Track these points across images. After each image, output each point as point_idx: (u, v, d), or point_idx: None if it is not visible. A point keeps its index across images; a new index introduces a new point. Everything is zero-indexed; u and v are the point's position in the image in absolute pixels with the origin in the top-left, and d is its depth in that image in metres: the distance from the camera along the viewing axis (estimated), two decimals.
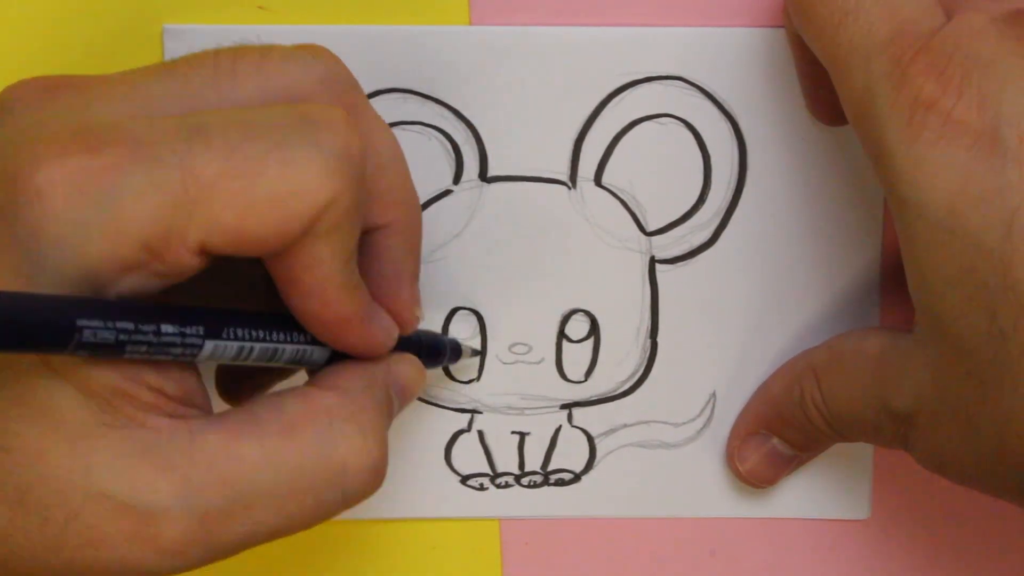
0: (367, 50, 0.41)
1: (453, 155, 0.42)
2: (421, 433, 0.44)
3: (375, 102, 0.41)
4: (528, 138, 0.42)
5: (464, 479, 0.44)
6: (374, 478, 0.34)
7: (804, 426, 0.41)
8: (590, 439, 0.44)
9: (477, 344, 0.43)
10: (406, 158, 0.37)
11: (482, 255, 0.42)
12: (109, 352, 0.31)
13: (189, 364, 0.33)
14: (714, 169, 0.42)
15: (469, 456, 0.44)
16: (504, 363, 0.43)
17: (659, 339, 0.43)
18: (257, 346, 0.34)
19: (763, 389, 0.43)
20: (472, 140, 0.42)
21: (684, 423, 0.44)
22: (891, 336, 0.39)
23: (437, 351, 0.41)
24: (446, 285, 0.40)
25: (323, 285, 0.33)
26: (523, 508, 0.44)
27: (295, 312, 0.34)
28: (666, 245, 0.43)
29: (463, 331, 0.43)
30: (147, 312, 0.31)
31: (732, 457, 0.43)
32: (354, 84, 0.35)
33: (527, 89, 0.42)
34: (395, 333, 0.37)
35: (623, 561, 0.45)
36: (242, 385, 0.39)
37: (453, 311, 0.43)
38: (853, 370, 0.40)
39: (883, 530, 0.45)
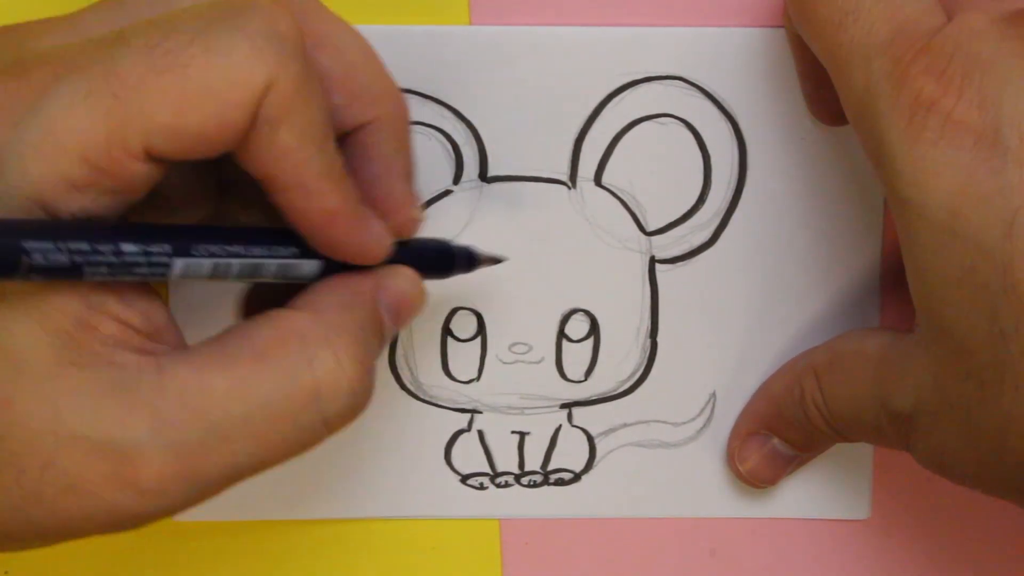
0: None
1: (453, 155, 0.42)
2: (421, 433, 0.44)
3: None
4: (528, 138, 0.42)
5: (464, 479, 0.44)
6: (352, 400, 0.33)
7: (805, 426, 0.41)
8: (590, 439, 0.44)
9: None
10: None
11: None
12: (66, 275, 0.30)
13: (156, 286, 0.33)
14: (714, 169, 0.42)
15: (469, 456, 0.44)
16: (504, 363, 0.43)
17: (659, 339, 0.43)
18: (235, 262, 0.33)
19: (763, 389, 0.43)
20: (472, 140, 0.42)
21: (684, 423, 0.44)
22: (892, 336, 0.39)
23: (444, 259, 0.38)
24: (446, 285, 0.39)
25: (300, 174, 0.32)
26: (523, 508, 0.44)
27: (284, 213, 0.33)
28: (666, 245, 0.43)
29: (463, 331, 0.43)
30: (104, 231, 0.31)
31: (732, 457, 0.43)
32: None
33: (527, 89, 0.42)
34: (387, 238, 0.35)
35: (623, 561, 0.45)
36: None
37: (453, 311, 0.43)
38: (854, 370, 0.40)
39: (883, 530, 0.45)
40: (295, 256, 0.34)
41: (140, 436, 0.31)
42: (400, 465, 0.44)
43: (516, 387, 0.44)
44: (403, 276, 0.36)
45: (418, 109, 0.42)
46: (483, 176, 0.42)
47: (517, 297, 0.43)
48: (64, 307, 0.31)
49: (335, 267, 0.35)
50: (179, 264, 0.32)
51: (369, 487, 0.44)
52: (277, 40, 0.31)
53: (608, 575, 0.45)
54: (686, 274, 0.43)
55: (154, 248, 0.31)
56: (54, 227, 0.30)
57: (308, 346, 0.33)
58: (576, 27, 0.41)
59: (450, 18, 0.42)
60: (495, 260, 0.40)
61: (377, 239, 0.35)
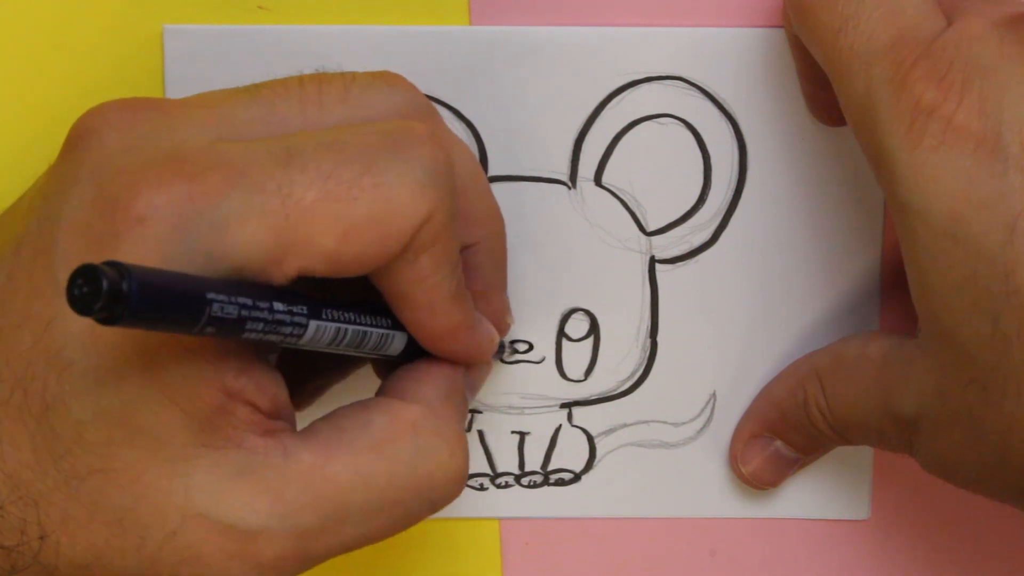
0: (367, 50, 0.41)
1: None
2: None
3: None
4: (528, 138, 0.42)
5: None
6: (458, 486, 0.35)
7: (807, 429, 0.41)
8: (590, 439, 0.44)
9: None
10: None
11: None
12: (231, 329, 0.31)
13: (287, 349, 0.34)
14: (714, 169, 0.42)
15: (469, 456, 0.44)
16: (504, 362, 0.43)
17: (659, 339, 0.43)
18: (350, 329, 0.34)
19: (766, 392, 0.43)
20: (472, 140, 0.42)
21: (684, 423, 0.44)
22: (895, 341, 0.39)
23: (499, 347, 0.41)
24: None
25: (431, 297, 0.34)
26: (523, 508, 0.44)
27: (405, 323, 0.35)
28: (666, 245, 0.43)
29: None
30: (262, 290, 0.32)
31: (735, 459, 0.43)
32: (431, 109, 0.36)
33: (527, 89, 0.42)
34: (496, 339, 0.38)
35: (623, 561, 0.45)
36: (304, 388, 0.39)
37: None
38: (857, 375, 0.40)
39: (883, 530, 0.45)
40: (389, 328, 0.36)
41: (264, 519, 0.32)
42: None
43: (516, 387, 0.44)
44: (484, 365, 0.39)
45: None
46: None
47: (517, 296, 0.43)
48: (206, 395, 0.32)
49: (413, 346, 0.37)
50: (312, 327, 0.33)
51: None
52: (436, 175, 0.33)
53: (608, 575, 0.45)
54: (686, 274, 0.43)
55: (296, 309, 0.33)
56: (226, 282, 0.31)
57: (421, 438, 0.35)
58: (576, 27, 0.41)
59: (450, 18, 0.42)
60: (506, 347, 0.43)
61: (488, 346, 0.38)
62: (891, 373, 0.38)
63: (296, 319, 0.32)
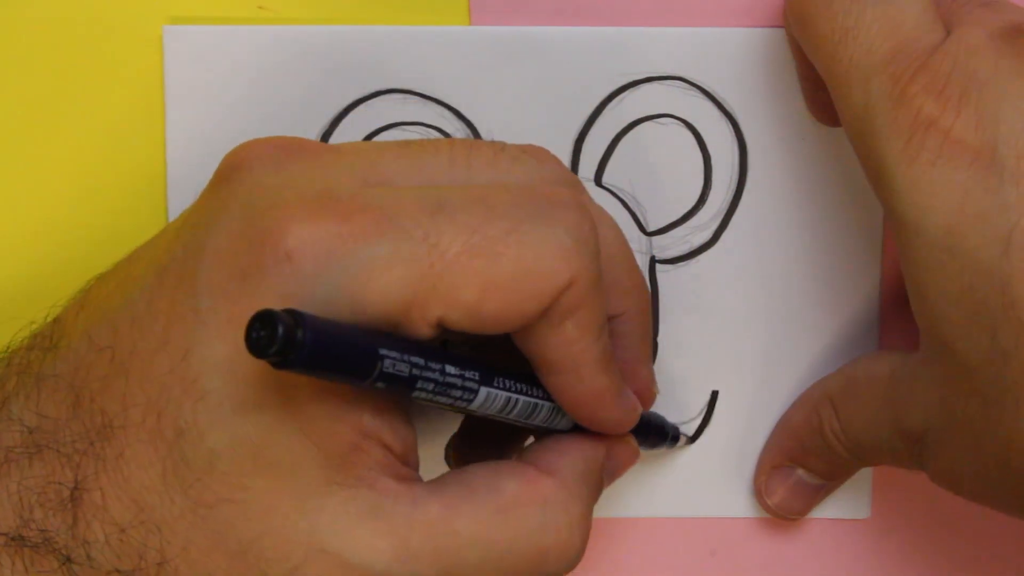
0: (367, 50, 0.41)
1: None
2: (421, 432, 0.44)
3: (375, 102, 0.42)
4: (528, 138, 0.42)
5: None
6: (571, 565, 0.35)
7: (825, 454, 0.41)
8: None
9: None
10: None
11: None
12: (402, 387, 0.31)
13: (456, 412, 0.34)
14: (714, 169, 0.42)
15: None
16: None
17: (659, 339, 0.43)
18: (521, 400, 0.34)
19: (783, 422, 0.43)
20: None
21: (684, 423, 0.44)
22: (900, 357, 0.39)
23: (660, 433, 0.41)
24: None
25: (577, 362, 0.34)
26: None
27: (550, 388, 0.35)
28: (666, 245, 0.43)
29: None
30: (434, 350, 0.32)
31: (760, 492, 0.43)
32: (577, 182, 0.36)
33: (527, 89, 0.42)
34: (639, 410, 0.37)
35: (623, 561, 0.45)
36: (474, 454, 0.39)
37: None
38: (867, 395, 0.40)
39: (883, 530, 0.45)
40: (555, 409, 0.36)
41: (386, 562, 0.32)
42: None
43: None
44: (629, 446, 0.38)
45: (418, 110, 0.42)
46: None
47: None
48: (343, 433, 0.32)
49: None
50: (483, 393, 0.33)
51: None
52: (581, 241, 0.33)
53: (608, 575, 0.45)
54: (686, 274, 0.43)
55: (468, 374, 0.33)
56: (400, 340, 0.31)
57: (548, 512, 0.34)
58: (576, 27, 0.41)
59: (450, 18, 0.41)
60: (690, 440, 0.44)
61: (632, 413, 0.37)
62: (898, 388, 0.39)
63: (467, 383, 0.33)
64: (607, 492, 0.44)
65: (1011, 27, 0.35)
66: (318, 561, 0.32)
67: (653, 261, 0.43)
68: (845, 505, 0.44)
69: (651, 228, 0.43)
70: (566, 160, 0.42)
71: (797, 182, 0.42)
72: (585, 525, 0.35)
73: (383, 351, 0.30)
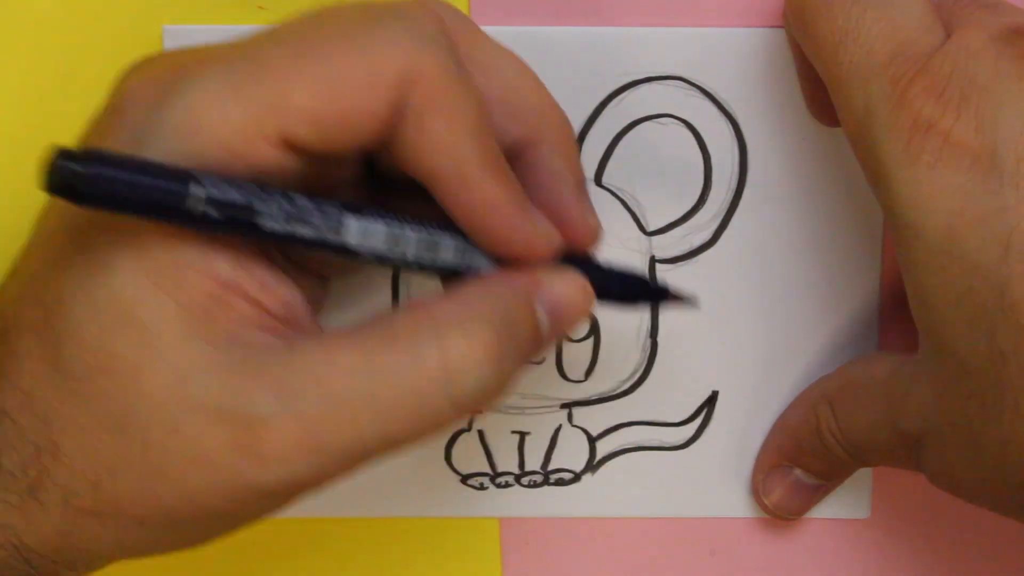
0: None
1: None
2: None
3: None
4: None
5: (464, 478, 0.44)
6: (481, 385, 0.32)
7: (823, 454, 0.41)
8: (590, 439, 0.44)
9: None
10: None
11: None
12: (242, 218, 0.30)
13: (339, 249, 0.32)
14: (714, 169, 0.42)
15: (469, 455, 0.44)
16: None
17: (659, 339, 0.43)
18: (412, 236, 0.33)
19: (780, 422, 0.43)
20: None
21: (684, 423, 0.44)
22: (899, 359, 0.39)
23: (628, 283, 0.37)
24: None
25: (457, 164, 0.32)
26: (523, 508, 0.44)
27: (448, 210, 0.33)
28: (666, 245, 0.43)
29: None
30: (274, 188, 0.31)
31: (757, 491, 0.44)
32: (465, 17, 0.35)
33: None
34: (555, 237, 0.34)
35: (623, 561, 0.45)
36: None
37: None
38: (865, 396, 0.40)
39: (883, 530, 0.45)
40: (470, 241, 0.34)
41: (264, 405, 0.31)
42: (400, 465, 0.44)
43: (516, 386, 0.44)
44: (567, 278, 0.35)
45: None
46: None
47: None
48: (198, 283, 0.31)
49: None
50: (352, 225, 0.32)
51: (369, 486, 0.44)
52: (419, 35, 0.32)
53: (608, 575, 0.45)
54: (686, 274, 0.43)
55: (326, 203, 0.31)
56: (230, 175, 0.30)
57: (440, 328, 0.32)
58: (576, 27, 0.41)
59: None
60: (693, 304, 0.39)
61: (543, 233, 0.34)
62: (896, 391, 0.39)
63: (327, 209, 0.31)
64: (607, 492, 0.44)
65: (1011, 29, 0.35)
66: (194, 416, 0.31)
67: (653, 261, 0.43)
68: (845, 505, 0.44)
69: (651, 228, 0.43)
70: None
71: (797, 182, 0.42)
72: (489, 342, 0.32)
73: (200, 174, 0.30)
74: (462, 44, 0.34)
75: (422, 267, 0.34)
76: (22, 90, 0.42)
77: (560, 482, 0.44)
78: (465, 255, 0.34)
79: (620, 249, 0.43)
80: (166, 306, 0.31)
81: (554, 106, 0.36)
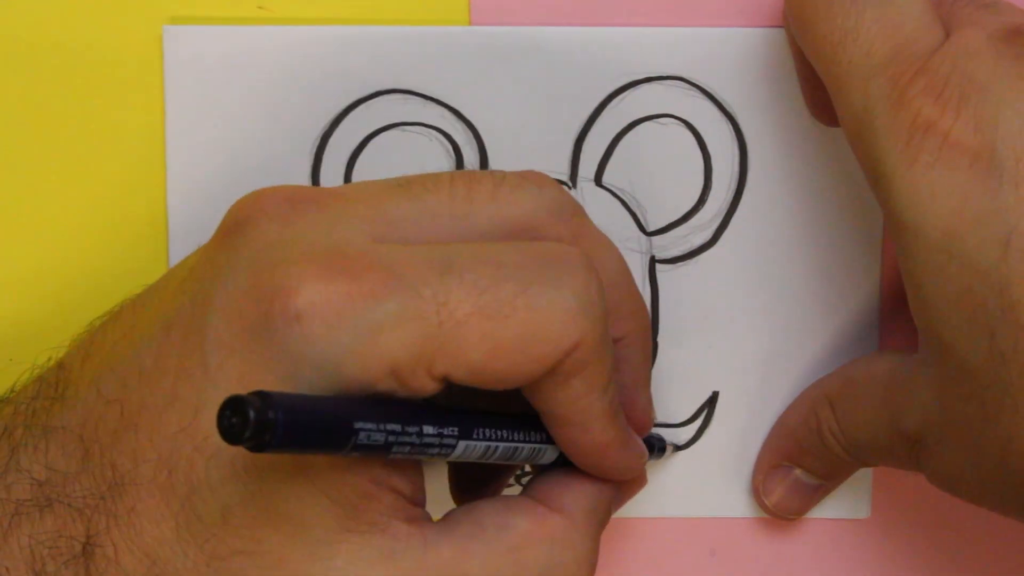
0: (367, 50, 0.41)
1: (453, 156, 0.42)
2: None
3: (375, 102, 0.42)
4: (528, 138, 0.42)
5: None
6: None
7: (823, 454, 0.41)
8: None
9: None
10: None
11: None
12: (378, 452, 0.31)
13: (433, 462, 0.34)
14: (715, 169, 0.42)
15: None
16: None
17: (659, 339, 0.43)
18: (500, 446, 0.35)
19: (780, 422, 0.43)
20: (472, 141, 0.42)
21: (684, 423, 0.44)
22: (899, 358, 0.39)
23: (650, 449, 0.41)
24: None
25: (584, 417, 0.34)
26: None
27: (557, 440, 0.35)
28: (666, 245, 0.43)
29: None
30: (412, 414, 0.32)
31: (757, 491, 0.43)
32: (578, 209, 0.36)
33: (527, 89, 0.42)
34: (645, 457, 0.38)
35: (623, 561, 0.45)
36: (474, 487, 0.40)
37: None
38: (865, 395, 0.40)
39: (883, 530, 0.45)
40: (541, 442, 0.36)
41: None
42: None
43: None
44: (635, 481, 0.39)
45: (418, 110, 0.42)
46: None
47: None
48: (354, 482, 0.32)
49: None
50: (461, 446, 0.33)
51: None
52: (588, 304, 0.33)
53: (608, 575, 0.45)
54: (687, 274, 0.43)
55: (446, 431, 0.33)
56: (376, 408, 0.31)
57: (557, 549, 0.34)
58: (576, 27, 0.41)
59: (450, 18, 0.41)
60: (677, 449, 0.44)
61: (638, 460, 0.37)
62: (896, 390, 0.39)
63: (445, 440, 0.33)
64: None
65: (1010, 29, 0.35)
66: None
67: (653, 261, 0.43)
68: (845, 505, 0.44)
69: (651, 228, 0.43)
70: (566, 160, 0.42)
71: (797, 182, 0.42)
72: (591, 560, 0.35)
73: (358, 424, 0.30)
74: (575, 235, 0.35)
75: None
76: (22, 90, 0.41)
77: None
78: (534, 456, 0.36)
79: (620, 249, 0.42)
80: (321, 504, 0.32)
81: (643, 306, 0.38)
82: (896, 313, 0.43)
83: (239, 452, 0.31)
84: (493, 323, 0.32)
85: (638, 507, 0.44)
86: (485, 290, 0.32)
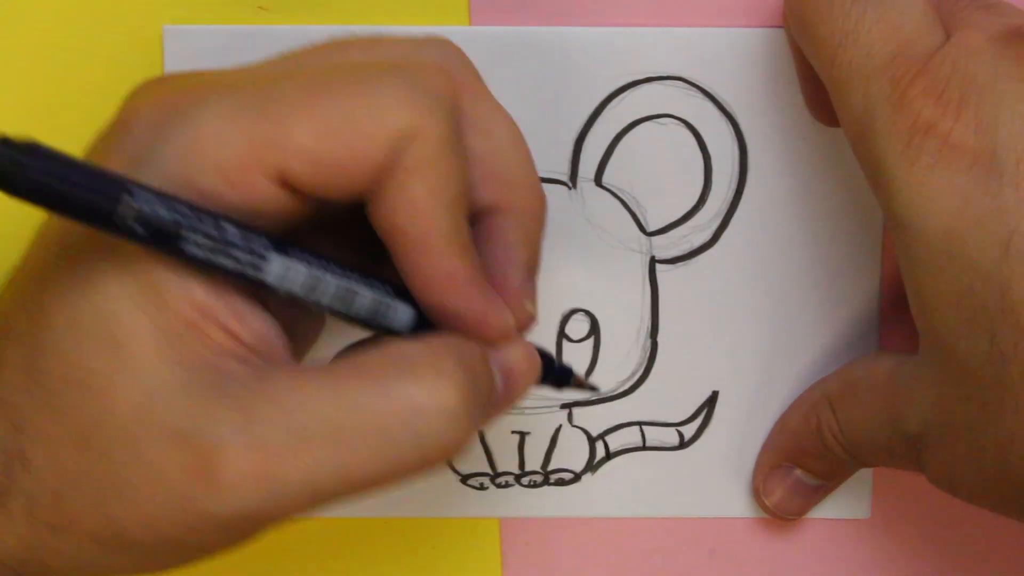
0: None
1: None
2: None
3: None
4: (528, 138, 0.41)
5: (464, 478, 0.44)
6: (450, 428, 0.31)
7: (824, 455, 0.41)
8: (590, 439, 0.44)
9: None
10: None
11: None
12: (165, 238, 0.30)
13: (257, 284, 0.32)
14: (714, 169, 0.42)
15: (469, 455, 0.44)
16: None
17: (659, 339, 0.43)
18: (332, 282, 0.32)
19: (781, 423, 0.43)
20: None
21: (684, 423, 0.44)
22: (899, 359, 0.39)
23: (545, 369, 0.37)
24: None
25: (424, 230, 0.32)
26: (523, 508, 0.44)
27: (401, 270, 0.33)
28: (666, 245, 0.43)
29: None
30: (208, 210, 0.31)
31: (758, 492, 0.44)
32: (471, 68, 0.35)
33: (527, 89, 0.42)
34: (509, 317, 0.34)
35: (623, 561, 0.45)
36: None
37: None
38: (866, 396, 0.40)
39: (883, 530, 0.45)
40: (389, 295, 0.33)
41: (224, 431, 0.30)
42: None
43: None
44: (521, 347, 0.35)
45: None
46: None
47: None
48: (176, 306, 0.31)
49: (427, 323, 0.34)
50: (276, 262, 0.32)
51: None
52: (429, 95, 0.32)
53: (608, 575, 0.45)
54: (687, 274, 0.43)
55: (254, 236, 0.31)
56: (163, 193, 0.30)
57: (412, 366, 0.31)
58: (576, 27, 0.41)
59: (450, 18, 0.41)
60: (592, 388, 0.41)
61: (498, 312, 0.33)
62: (896, 390, 0.39)
63: (253, 245, 0.31)
64: (607, 493, 0.44)
65: (1011, 31, 0.35)
66: (156, 437, 0.30)
67: (653, 261, 0.43)
68: (845, 505, 0.44)
69: (651, 228, 0.43)
70: (566, 160, 0.42)
71: (797, 182, 0.42)
72: (462, 386, 0.31)
73: (133, 187, 0.29)
74: (463, 97, 0.34)
75: (336, 313, 0.33)
76: (22, 90, 0.42)
77: (560, 482, 0.44)
78: (380, 308, 0.33)
79: (620, 250, 0.43)
80: (143, 325, 0.31)
81: (535, 182, 0.35)
82: (896, 313, 0.43)
83: (67, 269, 0.31)
84: (320, 102, 0.31)
85: (638, 507, 0.44)
86: (314, 79, 0.31)
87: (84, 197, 0.29)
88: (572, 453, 0.44)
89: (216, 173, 0.31)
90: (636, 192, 0.42)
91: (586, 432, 0.44)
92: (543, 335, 0.43)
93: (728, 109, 0.42)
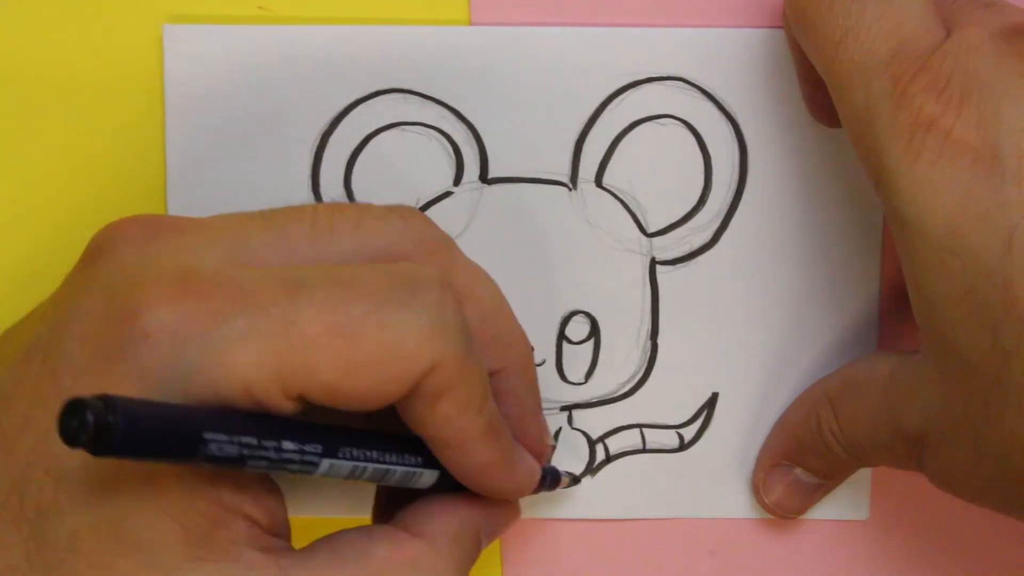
0: (367, 50, 0.41)
1: (453, 156, 0.42)
2: None
3: (375, 102, 0.41)
4: (528, 139, 0.42)
5: None
6: None
7: (824, 454, 0.41)
8: (590, 441, 0.44)
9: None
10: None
11: (482, 257, 0.42)
12: (231, 465, 0.31)
13: (278, 486, 0.34)
14: (715, 170, 0.42)
15: None
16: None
17: (659, 340, 0.43)
18: (370, 466, 0.34)
19: (781, 422, 0.43)
20: (472, 141, 0.42)
21: (684, 424, 0.44)
22: (900, 358, 0.39)
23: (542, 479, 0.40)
24: None
25: (461, 438, 0.34)
26: (523, 508, 0.44)
27: (442, 461, 0.35)
28: (667, 246, 0.43)
29: None
30: (270, 428, 0.32)
31: (757, 490, 0.43)
32: (447, 241, 0.36)
33: (527, 89, 0.42)
34: (537, 473, 0.38)
35: (623, 562, 0.45)
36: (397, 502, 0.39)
37: None
38: (866, 395, 0.40)
39: (883, 530, 0.45)
40: (418, 465, 0.36)
41: None
42: None
43: None
44: (509, 509, 0.39)
45: (418, 110, 0.42)
46: (483, 177, 0.42)
47: (517, 299, 0.42)
48: (203, 509, 0.32)
49: (449, 477, 0.36)
50: (325, 464, 0.33)
51: (370, 486, 0.44)
52: (444, 324, 0.33)
53: (608, 575, 0.45)
54: (687, 275, 0.43)
55: (308, 448, 0.32)
56: (230, 419, 0.31)
57: (417, 574, 0.34)
58: (576, 27, 0.41)
59: (450, 18, 0.41)
60: (575, 480, 0.44)
61: (529, 477, 0.38)
62: (897, 389, 0.39)
63: (307, 457, 0.32)
64: (607, 495, 0.44)
65: (1012, 27, 0.35)
66: None
67: (653, 262, 0.43)
68: (844, 505, 0.44)
69: (651, 229, 0.43)
70: (566, 161, 0.42)
71: (797, 182, 0.42)
72: (459, 570, 0.35)
73: (208, 435, 0.30)
74: (452, 273, 0.35)
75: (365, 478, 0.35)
76: (22, 90, 0.41)
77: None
78: (408, 480, 0.36)
79: (620, 251, 0.43)
80: (170, 529, 0.31)
81: (522, 336, 0.38)
82: (896, 313, 0.43)
83: (87, 474, 0.31)
84: (344, 342, 0.31)
85: (638, 507, 0.44)
86: (335, 309, 0.32)
87: (168, 451, 0.30)
88: (572, 455, 0.44)
89: (242, 392, 0.31)
90: (636, 193, 0.42)
91: (586, 435, 0.44)
92: (543, 336, 0.43)
93: (728, 109, 0.42)
